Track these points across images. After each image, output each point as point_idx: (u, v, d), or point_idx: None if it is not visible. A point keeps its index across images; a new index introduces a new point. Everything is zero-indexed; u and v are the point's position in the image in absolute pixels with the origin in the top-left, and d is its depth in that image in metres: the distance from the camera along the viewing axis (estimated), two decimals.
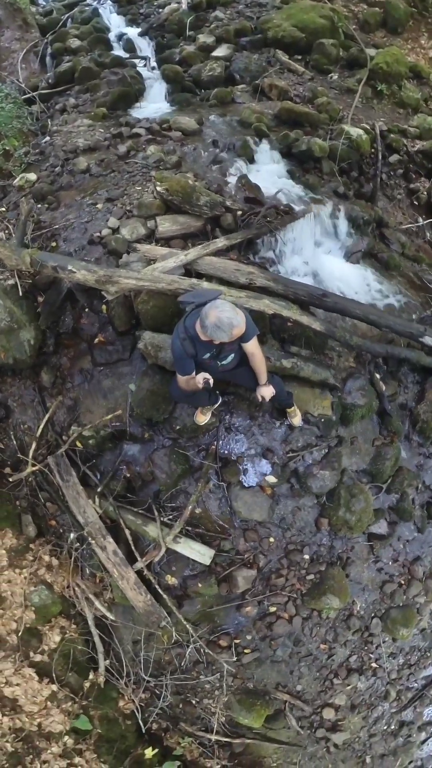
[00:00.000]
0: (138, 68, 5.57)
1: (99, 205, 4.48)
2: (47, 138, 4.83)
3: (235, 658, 3.59)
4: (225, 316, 2.62)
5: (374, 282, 4.67)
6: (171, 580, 3.64)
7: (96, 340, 4.10)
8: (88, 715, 3.47)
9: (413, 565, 3.94)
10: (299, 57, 5.36)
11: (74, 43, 5.72)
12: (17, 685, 3.22)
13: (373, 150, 4.66)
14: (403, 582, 3.89)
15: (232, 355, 3.09)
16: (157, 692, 3.66)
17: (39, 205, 4.48)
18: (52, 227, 4.34)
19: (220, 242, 4.21)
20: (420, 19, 5.44)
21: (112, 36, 6.14)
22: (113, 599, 3.60)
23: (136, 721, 3.68)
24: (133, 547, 3.58)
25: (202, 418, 3.73)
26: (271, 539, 3.79)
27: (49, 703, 3.32)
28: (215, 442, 3.87)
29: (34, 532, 3.78)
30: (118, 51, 5.90)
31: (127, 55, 5.81)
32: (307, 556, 3.78)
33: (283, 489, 3.87)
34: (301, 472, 3.88)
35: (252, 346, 3.04)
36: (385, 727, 4.16)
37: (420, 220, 4.77)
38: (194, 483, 3.80)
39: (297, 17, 5.41)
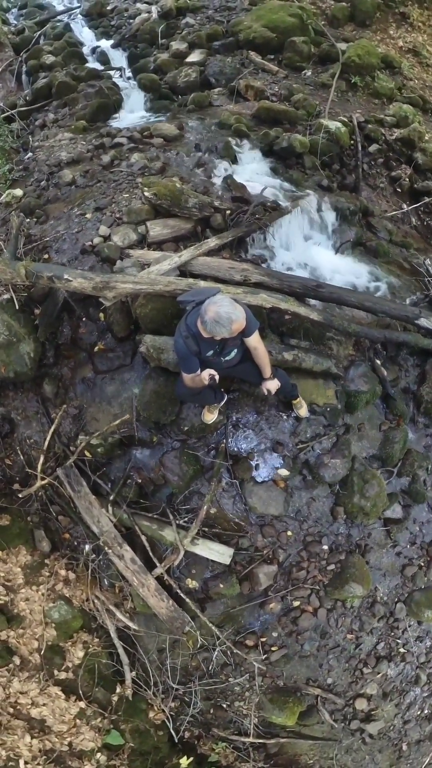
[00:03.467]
0: (114, 79, 5.49)
1: (88, 215, 4.37)
2: (30, 154, 4.72)
3: (263, 657, 3.44)
4: (224, 311, 2.53)
5: (365, 270, 4.60)
6: (191, 584, 3.48)
7: (96, 348, 3.98)
8: (119, 729, 3.29)
9: (431, 546, 3.82)
10: (272, 57, 5.32)
11: (49, 59, 5.63)
12: (44, 705, 3.04)
13: (352, 142, 4.61)
14: (422, 564, 3.78)
15: (235, 350, 3.02)
16: (187, 699, 3.49)
17: (28, 220, 4.35)
18: (42, 240, 4.22)
19: (212, 242, 4.13)
20: (387, 10, 5.44)
21: (85, 50, 6.06)
22: (134, 608, 3.43)
23: (167, 731, 3.50)
24: (150, 554, 3.43)
25: (210, 416, 3.61)
26: (289, 533, 3.66)
27: (78, 720, 3.14)
28: (224, 440, 3.74)
29: (48, 546, 3.60)
30: (93, 64, 5.81)
31: (102, 67, 5.73)
32: (326, 547, 3.65)
33: (296, 481, 3.74)
34: (312, 463, 3.76)
35: (254, 341, 2.97)
36: (418, 713, 4.01)
37: (404, 206, 4.72)
38: (207, 483, 3.67)
39: (267, 18, 5.38)
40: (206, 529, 3.58)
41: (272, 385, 3.15)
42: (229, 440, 3.75)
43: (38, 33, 6.23)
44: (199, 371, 2.86)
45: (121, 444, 3.76)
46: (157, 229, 4.23)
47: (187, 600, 3.35)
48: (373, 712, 3.85)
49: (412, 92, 5.30)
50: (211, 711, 3.64)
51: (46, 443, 3.59)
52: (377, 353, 4.04)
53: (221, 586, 3.46)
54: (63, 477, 3.50)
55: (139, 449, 3.80)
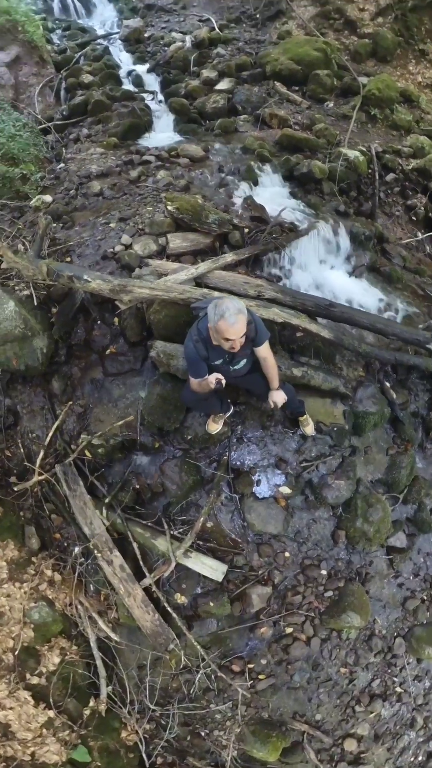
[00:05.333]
0: (146, 101, 5.53)
1: (112, 224, 4.32)
2: (62, 164, 4.72)
3: (249, 685, 3.07)
4: (231, 305, 2.41)
5: (379, 294, 4.42)
6: (180, 599, 3.16)
7: (108, 351, 3.83)
8: (87, 745, 2.91)
9: None
10: (296, 88, 5.34)
11: (87, 78, 5.71)
12: (11, 708, 2.70)
13: (370, 170, 4.52)
14: (426, 598, 3.41)
15: (245, 360, 2.86)
16: (163, 723, 3.10)
17: (54, 224, 4.31)
18: (66, 244, 4.15)
19: (229, 257, 4.04)
20: (407, 47, 5.46)
21: (122, 72, 6.14)
22: (118, 619, 3.11)
23: (139, 754, 3.10)
24: (141, 563, 3.14)
25: (215, 426, 3.39)
26: (287, 554, 3.35)
27: (44, 730, 2.78)
28: (227, 453, 3.50)
29: (38, 544, 3.34)
30: (128, 86, 5.89)
31: (136, 90, 5.79)
32: (324, 572, 3.32)
33: (297, 501, 3.46)
34: (315, 483, 3.48)
35: (264, 351, 2.80)
36: (412, 759, 3.55)
37: (419, 234, 4.58)
38: (205, 495, 3.40)
39: (293, 51, 5.41)
40: (201, 543, 3.29)
41: (279, 398, 2.96)
42: (232, 453, 3.51)
43: (79, 54, 6.34)
44: (206, 377, 2.69)
45: (122, 447, 3.55)
46: (176, 241, 4.15)
47: (174, 615, 3.03)
48: (362, 755, 3.41)
49: (430, 125, 5.25)
50: (188, 738, 3.24)
51: (48, 438, 3.40)
52: (387, 375, 3.81)
53: (211, 604, 3.14)
54: (61, 474, 3.29)
55: (140, 454, 3.58)
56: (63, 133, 5.08)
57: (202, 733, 3.22)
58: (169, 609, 3.06)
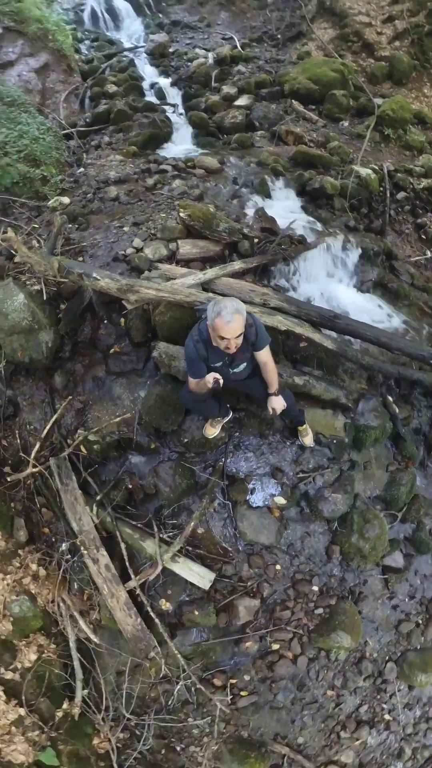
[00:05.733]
0: (167, 114, 5.66)
1: (125, 228, 4.38)
2: (82, 169, 4.83)
3: (229, 701, 2.90)
4: (230, 303, 2.41)
5: (385, 309, 4.37)
6: (165, 605, 3.05)
7: (111, 350, 3.83)
8: (57, 749, 2.75)
9: None
10: (313, 107, 5.43)
11: (111, 88, 5.87)
12: None
13: (381, 188, 4.54)
14: (421, 622, 3.23)
15: (245, 364, 2.81)
16: (138, 733, 2.94)
17: (70, 225, 4.39)
18: (80, 244, 4.21)
19: (237, 265, 4.04)
20: (422, 70, 5.55)
21: (145, 84, 6.30)
22: (100, 620, 3.00)
23: (110, 763, 2.93)
24: (127, 564, 3.04)
25: (212, 430, 3.33)
26: (278, 566, 3.22)
27: (13, 728, 2.65)
28: (223, 458, 3.42)
29: (25, 537, 3.27)
30: (150, 98, 6.04)
31: (158, 102, 5.93)
32: (316, 588, 3.18)
33: (292, 512, 3.35)
34: (311, 495, 3.38)
35: (264, 355, 2.76)
36: None
37: (428, 252, 4.55)
38: (198, 500, 3.32)
39: (311, 71, 5.53)
40: (190, 549, 3.19)
41: (278, 403, 2.89)
42: (228, 459, 3.44)
43: (105, 65, 6.54)
44: (204, 377, 2.65)
45: (118, 446, 3.49)
46: (187, 247, 4.18)
47: (157, 621, 2.91)
48: None
49: None
50: (163, 751, 3.06)
51: (46, 431, 3.36)
52: (390, 390, 3.72)
53: (196, 613, 3.01)
54: (54, 468, 3.24)
55: (135, 454, 3.51)
56: (85, 140, 5.22)
57: (178, 748, 3.04)
58: (152, 614, 2.94)
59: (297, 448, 3.51)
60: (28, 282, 3.86)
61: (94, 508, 3.20)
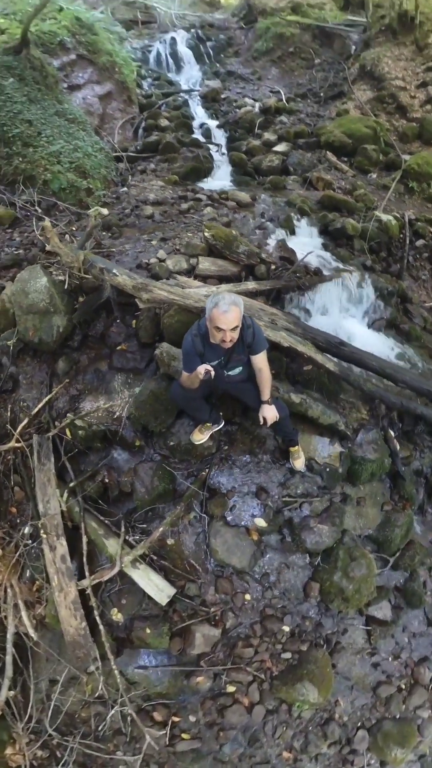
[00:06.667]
0: (211, 151, 6.15)
1: (153, 242, 4.59)
2: (124, 188, 5.21)
3: (167, 741, 2.41)
4: (227, 296, 2.42)
5: (396, 349, 4.25)
6: (116, 615, 2.69)
7: (118, 347, 3.85)
8: None
9: (419, 666, 2.76)
10: (345, 159, 5.77)
11: (164, 122, 6.49)
12: None
13: (401, 235, 4.64)
14: (404, 687, 2.70)
15: (240, 368, 2.73)
16: (58, 754, 2.45)
17: (104, 233, 4.65)
18: (109, 249, 4.42)
19: (251, 284, 4.10)
20: None
21: (195, 123, 6.93)
22: (44, 617, 2.65)
23: None
24: (85, 561, 2.76)
25: (200, 436, 3.15)
26: (247, 596, 2.85)
27: None
28: (207, 469, 3.21)
29: None
30: (198, 135, 6.61)
31: (204, 140, 6.48)
32: (287, 628, 2.75)
33: (272, 539, 3.03)
34: (295, 523, 3.06)
35: (260, 361, 2.68)
36: None
37: None
38: (173, 508, 3.07)
39: (346, 126, 5.97)
40: (154, 558, 2.88)
41: (269, 413, 2.74)
42: (213, 471, 3.22)
43: (162, 101, 7.20)
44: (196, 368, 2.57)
45: (104, 437, 3.35)
46: (206, 264, 4.30)
47: (103, 631, 2.55)
48: None
49: None
50: None
51: (37, 408, 3.28)
52: (392, 424, 3.48)
53: (148, 631, 2.63)
54: (36, 445, 3.10)
55: (118, 449, 3.35)
56: (132, 164, 5.69)
57: None
58: (99, 623, 2.59)
59: (287, 470, 3.26)
60: (54, 272, 4.02)
61: (65, 495, 3.00)
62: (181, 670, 2.60)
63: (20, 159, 4.52)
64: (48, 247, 4.05)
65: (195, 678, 2.58)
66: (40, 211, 4.41)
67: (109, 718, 2.39)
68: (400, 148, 5.67)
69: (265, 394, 2.76)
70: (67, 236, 4.36)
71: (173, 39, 9.47)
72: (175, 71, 9.30)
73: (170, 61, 9.31)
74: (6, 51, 4.70)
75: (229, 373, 2.74)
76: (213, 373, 2.47)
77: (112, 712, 2.37)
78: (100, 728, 2.44)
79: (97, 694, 2.43)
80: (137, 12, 10.54)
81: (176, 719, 2.51)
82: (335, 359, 3.54)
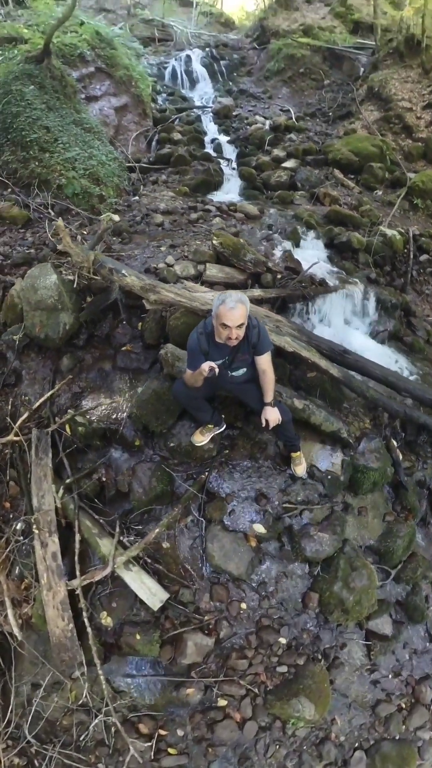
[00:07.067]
0: (221, 166, 6.29)
1: (162, 248, 4.63)
2: (136, 197, 5.32)
3: (152, 755, 2.25)
4: (234, 294, 2.42)
5: (398, 360, 4.24)
6: (105, 619, 2.56)
7: (123, 348, 3.85)
8: None
9: (420, 685, 2.60)
10: (352, 176, 5.90)
11: (176, 136, 6.71)
12: None
13: (405, 249, 4.70)
14: (404, 706, 2.55)
15: (244, 369, 2.70)
16: (36, 763, 2.29)
17: (114, 238, 4.72)
18: (119, 253, 4.47)
19: (256, 292, 4.12)
20: None
21: (206, 138, 7.15)
22: (30, 617, 2.53)
23: None
24: (76, 560, 2.66)
25: (200, 438, 3.10)
26: (243, 605, 2.73)
27: None
28: (207, 472, 3.14)
29: None
30: (209, 150, 6.80)
31: (215, 155, 6.65)
32: (283, 640, 2.63)
33: (270, 546, 2.93)
34: (295, 530, 2.97)
35: (264, 362, 2.66)
36: None
37: None
38: (171, 510, 2.99)
39: (353, 144, 6.13)
40: (149, 561, 2.78)
41: (272, 415, 2.70)
42: (212, 474, 3.15)
43: (175, 116, 7.45)
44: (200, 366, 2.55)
45: (103, 435, 3.30)
46: (213, 270, 4.33)
47: (91, 635, 2.42)
48: None
49: None
50: None
51: (39, 403, 3.25)
52: (395, 433, 3.42)
53: (138, 637, 2.50)
54: (35, 439, 3.04)
55: (118, 448, 3.29)
56: (145, 175, 5.83)
57: None
58: (87, 625, 2.47)
59: (287, 477, 3.19)
60: (64, 272, 4.06)
61: (61, 491, 2.92)
62: (171, 681, 2.46)
63: (36, 163, 4.63)
64: (60, 247, 4.10)
65: (185, 689, 2.43)
66: (53, 213, 4.49)
67: (92, 728, 2.24)
68: (405, 166, 5.83)
69: (269, 396, 2.73)
70: (78, 238, 4.42)
71: (188, 57, 9.82)
72: (189, 88, 9.60)
73: (185, 77, 9.62)
74: (28, 60, 4.89)
75: (233, 373, 2.71)
76: (217, 370, 2.45)
77: (96, 721, 2.23)
78: (82, 738, 2.29)
79: (80, 702, 2.29)
80: (155, 30, 10.96)
81: (163, 732, 2.35)
82: (338, 366, 3.52)
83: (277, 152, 6.30)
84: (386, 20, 8.89)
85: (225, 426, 3.21)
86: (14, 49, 5.07)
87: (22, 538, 2.78)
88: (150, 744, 2.27)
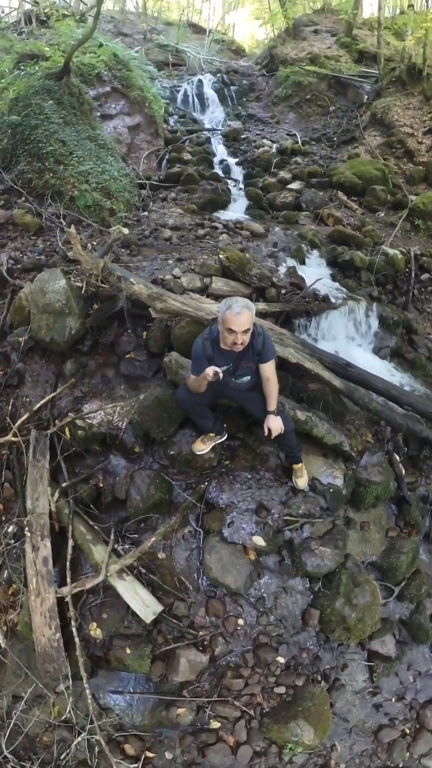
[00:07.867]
0: (229, 186, 6.48)
1: (170, 261, 4.72)
2: (145, 213, 5.45)
3: None
4: (241, 299, 2.46)
5: (400, 376, 4.25)
6: (95, 631, 2.44)
7: (127, 356, 3.87)
8: None
9: (425, 709, 2.46)
10: (355, 198, 6.07)
11: (186, 156, 6.93)
12: None
13: (407, 269, 4.80)
14: (408, 731, 2.39)
15: (249, 377, 2.69)
16: None
17: (123, 249, 4.82)
18: (127, 264, 4.55)
19: (261, 305, 4.17)
20: None
21: (215, 159, 7.38)
22: (16, 624, 2.41)
23: None
24: (68, 566, 2.56)
25: (201, 446, 3.06)
26: (240, 621, 2.62)
27: None
28: (207, 482, 3.09)
29: None
30: (217, 170, 7.00)
31: (223, 175, 6.85)
32: (281, 659, 2.50)
33: (270, 560, 2.84)
34: (296, 544, 2.88)
35: (268, 370, 2.66)
36: None
37: None
38: (168, 520, 2.91)
39: (357, 168, 6.33)
40: (143, 571, 2.69)
41: (275, 424, 2.68)
42: (212, 484, 3.09)
43: (186, 137, 7.64)
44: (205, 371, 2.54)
45: (103, 440, 3.26)
46: (219, 284, 4.40)
47: (78, 646, 2.30)
48: None
49: None
50: None
51: (39, 404, 3.21)
52: (397, 447, 3.38)
53: (128, 651, 2.38)
54: (33, 441, 2.99)
55: (117, 454, 3.25)
56: (154, 192, 6.00)
57: None
58: (75, 636, 2.35)
59: (289, 489, 3.13)
60: (73, 278, 4.12)
61: (56, 495, 2.85)
62: (161, 699, 2.32)
63: (51, 174, 4.77)
64: (70, 254, 4.17)
65: (175, 709, 2.29)
66: (64, 223, 4.59)
67: (74, 746, 2.09)
68: (407, 189, 6.02)
69: (272, 405, 2.71)
70: (88, 247, 4.51)
71: (200, 81, 10.25)
72: (200, 111, 9.97)
73: (196, 101, 10.00)
74: (49, 76, 5.11)
75: (237, 381, 2.69)
76: (221, 375, 2.44)
77: (79, 739, 2.08)
78: (62, 756, 2.12)
79: (63, 717, 2.14)
80: (169, 55, 11.49)
81: (150, 755, 2.18)
82: (341, 378, 3.52)
83: (283, 174, 6.52)
84: (389, 50, 9.32)
85: (227, 435, 3.17)
86: (36, 66, 5.29)
87: (13, 541, 2.69)
88: (136, 766, 2.10)
